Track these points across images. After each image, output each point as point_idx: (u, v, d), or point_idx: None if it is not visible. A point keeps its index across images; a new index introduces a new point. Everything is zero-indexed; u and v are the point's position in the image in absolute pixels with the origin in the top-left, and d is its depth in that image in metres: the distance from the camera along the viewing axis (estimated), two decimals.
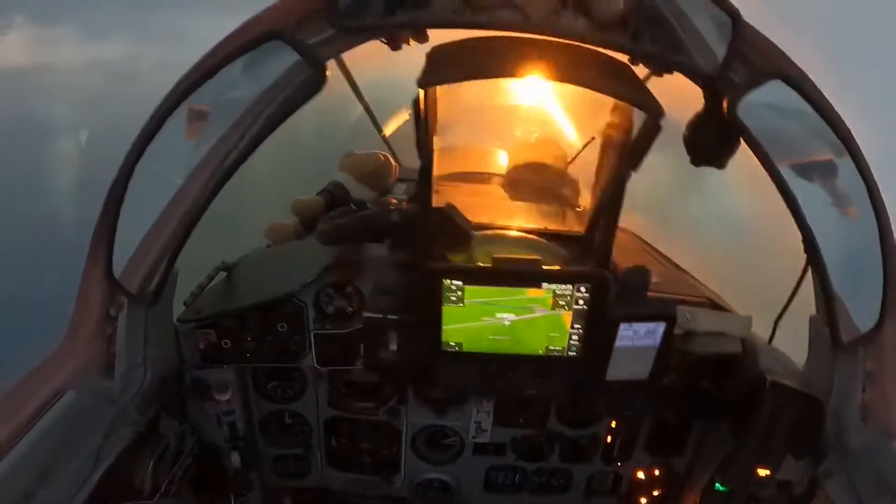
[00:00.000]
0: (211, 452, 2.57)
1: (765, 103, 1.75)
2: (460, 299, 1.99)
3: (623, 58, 1.85)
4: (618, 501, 2.91)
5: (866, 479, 1.92)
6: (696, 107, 1.95)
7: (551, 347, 2.08)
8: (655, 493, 2.84)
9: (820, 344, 2.12)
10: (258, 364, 2.45)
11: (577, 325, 2.04)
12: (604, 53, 1.76)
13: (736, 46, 1.64)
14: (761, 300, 2.41)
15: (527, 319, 2.03)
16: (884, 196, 1.84)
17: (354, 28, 1.80)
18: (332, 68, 1.92)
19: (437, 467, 2.86)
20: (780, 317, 2.31)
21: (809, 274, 2.01)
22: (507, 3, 1.76)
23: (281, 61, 1.88)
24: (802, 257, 1.98)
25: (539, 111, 4.07)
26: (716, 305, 2.39)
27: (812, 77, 1.75)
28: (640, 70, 1.94)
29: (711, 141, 1.98)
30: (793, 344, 2.32)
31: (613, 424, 2.68)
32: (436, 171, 2.04)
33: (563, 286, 1.98)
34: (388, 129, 3.91)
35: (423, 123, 1.84)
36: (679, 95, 1.93)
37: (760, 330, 2.38)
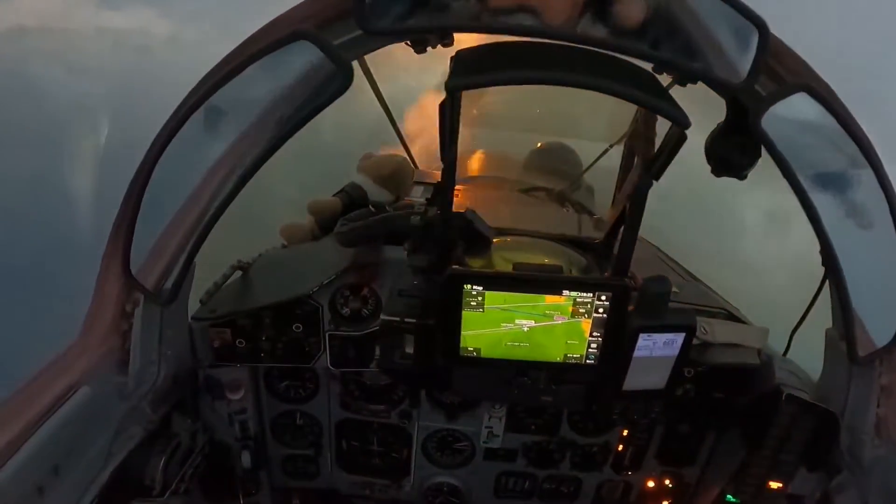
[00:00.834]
0: (221, 451, 2.57)
1: (788, 115, 1.74)
2: (480, 305, 1.98)
3: (647, 66, 1.84)
4: None
5: (877, 493, 1.92)
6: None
7: (569, 355, 2.07)
8: (665, 503, 2.83)
9: (835, 357, 2.12)
10: (272, 364, 2.45)
11: (596, 334, 2.03)
12: (628, 61, 1.75)
13: (763, 57, 1.61)
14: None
15: (546, 326, 2.02)
16: None
17: (383, 30, 1.80)
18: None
19: (447, 471, 2.85)
20: (795, 329, 2.31)
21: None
22: (524, 8, 1.77)
23: (306, 61, 1.88)
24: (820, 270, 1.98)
25: (557, 116, 4.07)
26: (732, 317, 2.38)
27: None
28: (664, 79, 1.94)
29: (733, 152, 1.98)
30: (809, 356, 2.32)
31: (625, 433, 2.67)
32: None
33: (584, 294, 1.97)
34: (407, 132, 3.92)
35: (449, 128, 1.83)
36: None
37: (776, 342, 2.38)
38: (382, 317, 2.16)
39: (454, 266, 1.98)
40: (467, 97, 1.85)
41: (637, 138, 2.14)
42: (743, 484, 2.33)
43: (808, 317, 2.26)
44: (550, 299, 1.98)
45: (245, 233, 2.74)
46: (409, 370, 2.26)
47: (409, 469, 2.84)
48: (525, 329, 2.03)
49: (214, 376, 2.45)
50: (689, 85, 1.84)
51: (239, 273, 2.51)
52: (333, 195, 2.94)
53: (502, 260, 2.22)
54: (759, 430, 2.23)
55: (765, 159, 1.85)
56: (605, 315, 2.00)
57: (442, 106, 1.79)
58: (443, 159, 1.94)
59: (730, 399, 2.37)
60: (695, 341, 2.18)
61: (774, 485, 2.27)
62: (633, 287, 2.06)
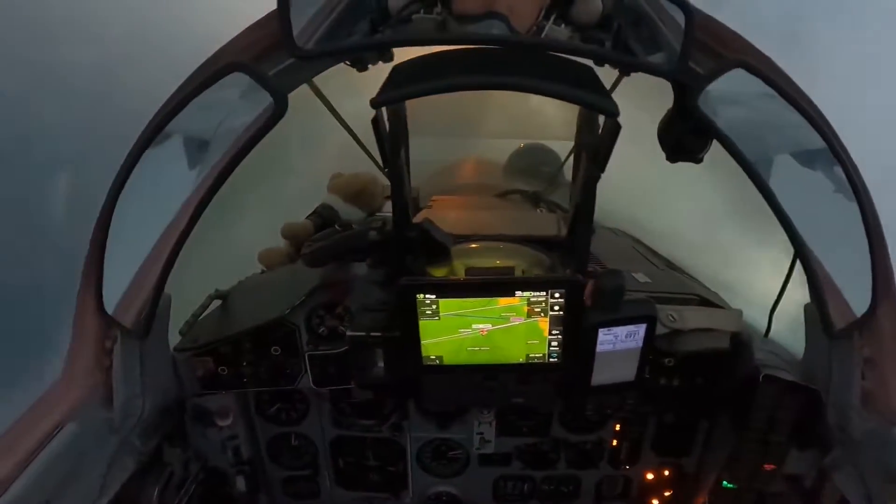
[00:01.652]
0: (217, 477, 2.62)
1: (727, 93, 1.73)
2: (435, 313, 1.99)
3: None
4: None
5: (871, 467, 1.87)
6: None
7: (531, 355, 2.07)
8: (667, 493, 2.80)
9: (815, 333, 2.09)
10: (256, 389, 2.49)
11: (555, 332, 2.03)
12: (563, 57, 1.75)
13: (690, 38, 1.59)
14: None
15: (504, 328, 2.02)
16: (865, 178, 1.81)
17: (311, 53, 1.83)
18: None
19: (444, 480, 2.86)
20: (773, 308, 2.27)
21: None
22: (492, 14, 1.78)
23: (241, 92, 1.93)
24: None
25: (530, 116, 4.08)
26: (705, 302, 2.35)
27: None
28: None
29: (684, 136, 1.96)
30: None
31: (618, 428, 2.65)
32: (433, 189, 2.05)
33: (537, 293, 1.97)
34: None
35: (388, 142, 1.86)
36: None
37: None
38: (349, 333, 2.19)
39: (405, 277, 2.00)
40: (425, 106, 1.86)
41: (582, 133, 2.14)
42: (736, 469, 2.29)
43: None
44: (504, 301, 1.98)
45: (224, 262, 2.80)
46: (384, 384, 2.28)
47: (406, 481, 2.85)
48: (483, 333, 2.04)
49: (202, 405, 2.50)
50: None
51: (218, 302, 2.56)
52: (306, 217, 2.98)
53: (462, 266, 2.23)
54: (745, 413, 2.20)
55: None
56: (560, 312, 1.99)
57: (373, 122, 1.82)
58: (388, 174, 1.96)
59: (711, 384, 2.34)
60: (665, 330, 2.17)
61: (768, 467, 2.23)
62: (591, 282, 2.06)
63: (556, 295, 1.97)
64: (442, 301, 1.98)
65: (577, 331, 2.02)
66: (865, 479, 1.88)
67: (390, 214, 2.26)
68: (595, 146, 1.99)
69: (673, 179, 3.25)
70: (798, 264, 1.96)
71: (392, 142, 1.89)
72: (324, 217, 2.93)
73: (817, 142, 1.78)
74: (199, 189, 1.96)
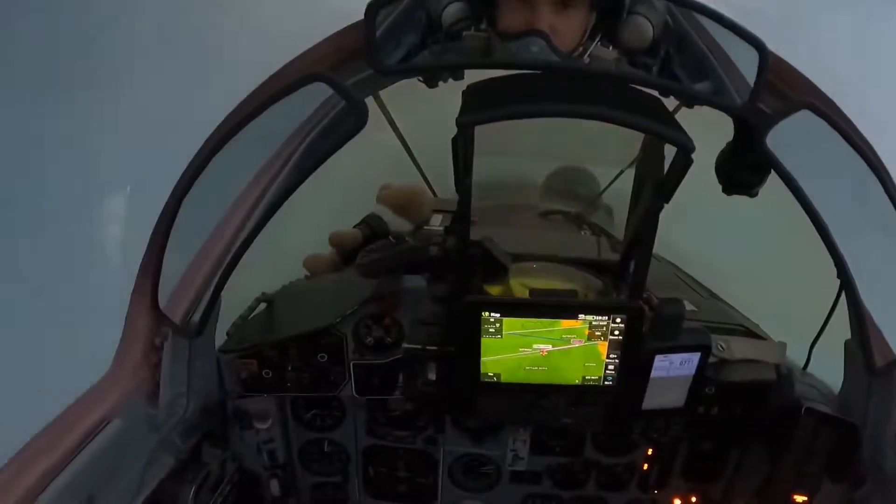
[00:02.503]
0: (250, 480, 2.63)
1: (792, 133, 1.77)
2: (498, 331, 2.03)
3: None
4: None
5: None
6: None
7: (587, 377, 2.11)
8: None
9: (855, 368, 2.13)
10: (299, 394, 2.51)
11: (612, 356, 2.07)
12: (634, 88, 1.80)
13: (763, 80, 1.64)
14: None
15: (563, 350, 2.06)
16: None
17: (394, 70, 1.87)
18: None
19: (473, 495, 2.87)
20: (814, 342, 2.32)
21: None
22: (533, 31, 1.83)
23: (321, 102, 1.97)
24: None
25: (570, 142, 4.12)
26: (751, 333, 2.40)
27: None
28: (671, 102, 1.99)
29: (742, 171, 2.01)
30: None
31: (650, 452, 2.69)
32: (473, 206, 2.09)
33: (599, 317, 2.01)
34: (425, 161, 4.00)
35: (462, 161, 1.89)
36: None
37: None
38: (405, 345, 2.22)
39: (472, 295, 2.03)
40: (480, 127, 1.90)
41: (646, 161, 2.19)
42: (768, 499, 2.33)
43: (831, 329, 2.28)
44: (566, 323, 2.02)
45: (269, 265, 2.81)
46: (432, 396, 2.31)
47: (436, 494, 2.86)
48: (543, 353, 2.07)
49: (242, 406, 2.51)
50: None
51: (263, 305, 2.58)
52: (354, 226, 3.00)
53: (519, 285, 2.27)
54: (782, 444, 2.24)
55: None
56: (620, 337, 2.04)
57: (454, 141, 1.85)
58: (458, 192, 1.99)
59: (751, 414, 2.38)
60: (712, 359, 2.21)
61: (799, 498, 2.27)
62: (650, 307, 2.10)
63: (618, 320, 2.01)
64: (506, 320, 2.01)
65: (634, 356, 2.06)
66: None
67: (438, 227, 2.29)
68: (661, 177, 2.03)
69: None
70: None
71: (465, 161, 1.93)
72: (372, 227, 2.95)
73: (872, 183, 1.84)
74: (270, 196, 1.99)
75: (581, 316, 2.01)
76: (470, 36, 1.99)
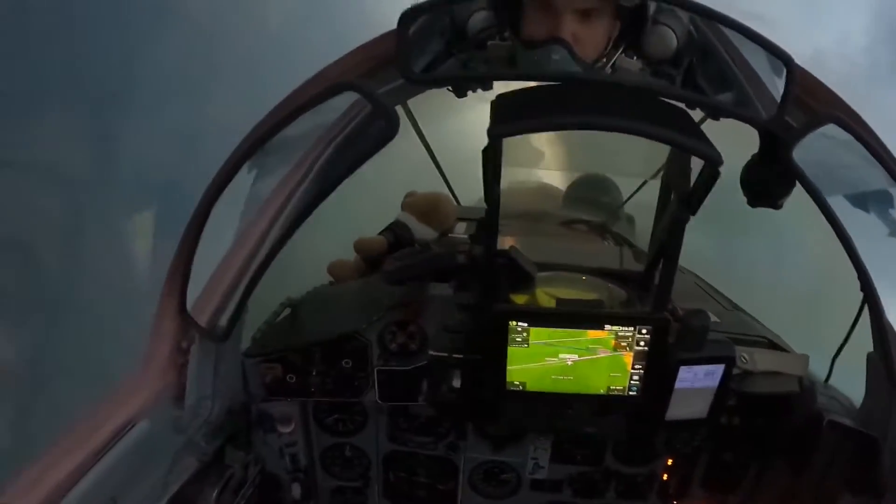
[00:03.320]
0: (272, 483, 2.65)
1: (819, 146, 1.79)
2: (525, 340, 2.05)
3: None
4: None
5: None
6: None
7: (612, 387, 2.13)
8: None
9: (877, 382, 2.14)
10: (322, 398, 2.52)
11: (637, 366, 2.09)
12: (662, 101, 1.81)
13: (790, 93, 1.65)
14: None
15: (589, 360, 2.08)
16: None
17: (425, 80, 1.90)
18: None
19: (493, 502, 2.89)
20: (836, 355, 2.33)
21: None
22: (555, 40, 1.85)
23: (352, 111, 1.99)
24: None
25: (593, 152, 4.14)
26: (773, 345, 2.41)
27: None
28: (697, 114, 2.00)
29: (768, 182, 2.03)
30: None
31: (670, 462, 2.69)
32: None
33: (625, 328, 2.03)
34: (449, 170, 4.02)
35: (491, 172, 1.91)
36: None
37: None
38: (431, 352, 2.24)
39: (499, 304, 2.05)
40: (508, 139, 1.93)
41: (672, 173, 2.20)
42: None
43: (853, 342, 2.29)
44: (593, 334, 2.04)
45: (294, 270, 2.84)
46: (456, 403, 2.33)
47: (455, 500, 2.88)
48: (569, 363, 2.09)
49: (266, 410, 2.53)
50: None
51: (288, 310, 2.61)
52: (379, 233, 3.03)
53: (545, 295, 2.29)
54: (803, 456, 2.25)
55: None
56: (646, 348, 2.05)
57: (485, 151, 1.87)
58: (487, 201, 2.01)
59: (772, 426, 2.39)
60: (736, 370, 2.22)
61: None
62: (675, 318, 2.12)
63: (644, 331, 2.03)
64: (533, 329, 2.03)
65: (660, 367, 2.07)
66: None
67: (462, 235, 2.31)
68: (688, 189, 2.04)
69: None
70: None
71: (494, 171, 1.95)
72: (397, 234, 2.96)
73: None
74: (299, 202, 2.02)
75: (608, 326, 2.03)
76: (495, 45, 2.01)
